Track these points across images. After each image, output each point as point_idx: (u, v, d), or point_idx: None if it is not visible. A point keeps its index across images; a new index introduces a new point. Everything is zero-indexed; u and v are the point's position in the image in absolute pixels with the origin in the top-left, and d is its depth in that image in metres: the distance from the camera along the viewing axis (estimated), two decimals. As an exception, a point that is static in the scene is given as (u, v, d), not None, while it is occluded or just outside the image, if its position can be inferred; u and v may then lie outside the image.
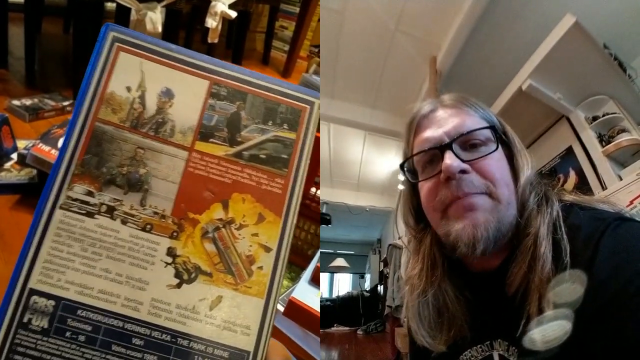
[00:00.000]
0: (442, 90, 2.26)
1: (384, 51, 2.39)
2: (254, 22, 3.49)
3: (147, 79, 0.42)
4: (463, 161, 0.45)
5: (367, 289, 5.00)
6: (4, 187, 1.10)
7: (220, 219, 0.42)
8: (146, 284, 0.40)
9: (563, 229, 0.42)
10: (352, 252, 6.12)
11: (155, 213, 0.42)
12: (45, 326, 0.38)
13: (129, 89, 0.42)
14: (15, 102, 1.51)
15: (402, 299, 2.55)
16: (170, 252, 0.41)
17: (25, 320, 0.38)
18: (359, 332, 4.04)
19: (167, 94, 0.43)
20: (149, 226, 0.41)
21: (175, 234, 0.42)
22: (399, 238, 3.20)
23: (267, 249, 0.42)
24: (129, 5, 1.80)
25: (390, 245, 3.50)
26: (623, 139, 1.84)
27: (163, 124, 0.42)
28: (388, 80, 2.65)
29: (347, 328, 4.13)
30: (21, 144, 1.20)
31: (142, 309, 0.40)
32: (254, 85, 0.44)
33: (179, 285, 0.41)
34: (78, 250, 0.40)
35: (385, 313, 3.31)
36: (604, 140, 1.94)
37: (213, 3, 2.13)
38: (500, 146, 0.48)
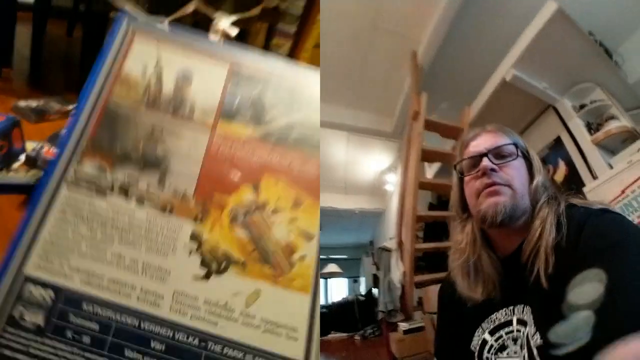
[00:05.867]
0: (425, 84, 2.24)
1: (363, 50, 2.36)
2: (250, 39, 3.47)
3: (164, 62, 0.39)
4: (494, 164, 0.65)
5: (363, 293, 4.96)
6: (11, 187, 1.08)
7: (252, 202, 0.37)
8: (167, 273, 0.34)
9: (564, 215, 0.60)
10: (345, 257, 6.07)
11: (176, 193, 0.36)
12: (41, 323, 0.32)
13: (145, 70, 0.39)
14: (22, 103, 1.50)
15: (395, 303, 2.49)
16: (195, 236, 0.35)
17: (15, 314, 0.31)
18: (356, 337, 3.99)
19: (185, 77, 0.39)
20: (169, 207, 0.36)
21: (199, 216, 0.36)
22: (390, 239, 3.15)
23: (309, 237, 0.37)
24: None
25: (379, 248, 3.46)
26: (612, 126, 1.84)
27: (182, 103, 0.39)
28: (369, 80, 2.63)
29: (345, 334, 4.07)
30: (28, 145, 1.19)
31: (163, 304, 0.33)
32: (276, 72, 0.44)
33: (206, 276, 0.34)
34: (85, 231, 0.34)
35: (379, 318, 3.26)
36: (592, 128, 1.94)
37: (217, 20, 2.10)
38: (521, 159, 0.68)
